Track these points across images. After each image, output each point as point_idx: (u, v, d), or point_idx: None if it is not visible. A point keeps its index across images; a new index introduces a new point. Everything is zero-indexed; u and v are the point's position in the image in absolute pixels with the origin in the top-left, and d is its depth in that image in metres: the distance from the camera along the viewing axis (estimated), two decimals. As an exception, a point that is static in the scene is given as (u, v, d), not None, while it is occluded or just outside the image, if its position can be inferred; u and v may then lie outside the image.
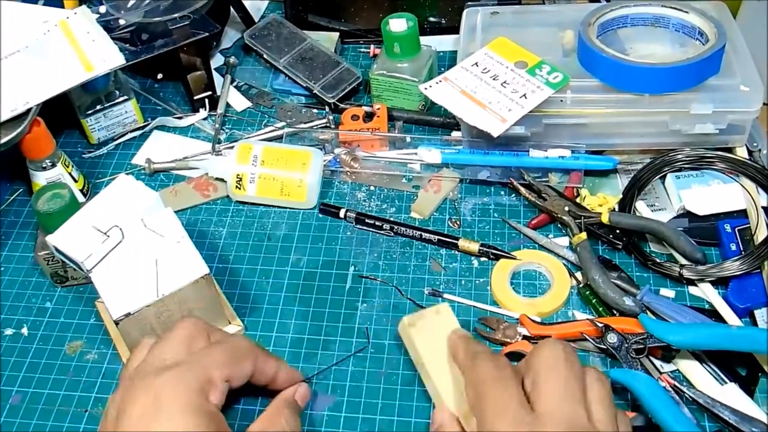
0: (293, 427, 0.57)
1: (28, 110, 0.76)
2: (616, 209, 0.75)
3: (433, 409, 0.58)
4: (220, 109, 0.90)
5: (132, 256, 0.65)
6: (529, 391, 0.50)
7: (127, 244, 0.65)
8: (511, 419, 0.48)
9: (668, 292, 0.70)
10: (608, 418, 0.49)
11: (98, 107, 0.86)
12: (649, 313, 0.67)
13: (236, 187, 0.79)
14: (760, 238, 0.70)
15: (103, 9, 0.89)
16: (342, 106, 0.89)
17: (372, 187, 0.82)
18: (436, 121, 0.87)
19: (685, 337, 0.61)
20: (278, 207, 0.80)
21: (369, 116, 0.86)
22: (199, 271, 0.63)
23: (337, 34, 0.98)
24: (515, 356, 0.65)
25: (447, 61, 0.94)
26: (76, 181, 0.80)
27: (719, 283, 0.69)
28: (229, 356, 0.56)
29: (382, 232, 0.77)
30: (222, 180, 0.81)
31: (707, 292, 0.69)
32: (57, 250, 0.66)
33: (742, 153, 0.78)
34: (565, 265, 0.72)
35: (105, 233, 0.65)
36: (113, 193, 0.69)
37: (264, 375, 0.59)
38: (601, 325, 0.64)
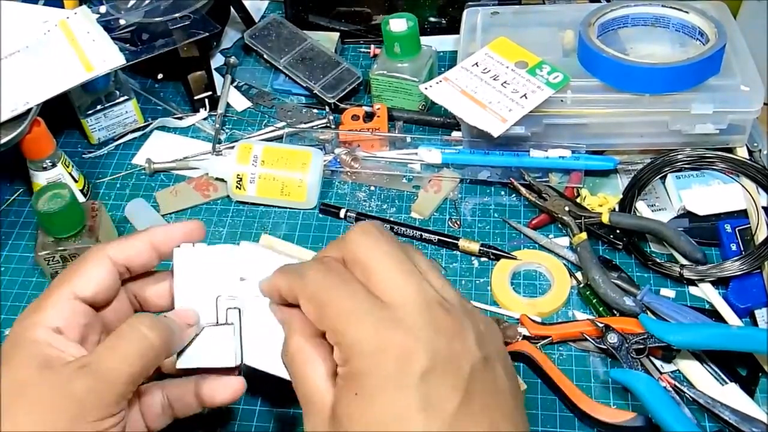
0: (159, 333, 0.47)
1: (28, 110, 0.76)
2: (617, 209, 0.75)
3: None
4: (221, 109, 0.90)
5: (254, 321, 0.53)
6: (365, 283, 0.43)
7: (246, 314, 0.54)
8: (366, 320, 0.41)
9: (668, 292, 0.70)
10: (445, 283, 0.44)
11: (98, 107, 0.86)
12: (649, 313, 0.67)
13: (236, 187, 0.79)
14: (760, 238, 0.70)
15: (103, 9, 0.89)
16: (342, 106, 0.89)
17: (372, 187, 0.82)
18: (436, 121, 0.87)
19: (686, 337, 0.61)
20: (278, 207, 0.80)
21: (369, 116, 0.86)
22: None
23: (338, 34, 0.98)
24: (516, 357, 0.65)
25: (447, 61, 0.94)
26: (76, 181, 0.80)
27: (719, 283, 0.69)
28: (68, 269, 0.49)
29: (382, 232, 0.77)
30: (222, 180, 0.81)
31: (707, 292, 0.69)
32: (191, 371, 0.54)
33: (742, 153, 0.78)
34: (565, 265, 0.72)
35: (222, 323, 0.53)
36: (186, 277, 0.54)
37: (137, 257, 0.51)
38: (601, 325, 0.64)
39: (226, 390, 0.53)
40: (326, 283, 0.44)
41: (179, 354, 0.52)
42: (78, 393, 0.44)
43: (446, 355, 0.40)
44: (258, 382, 0.66)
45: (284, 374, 0.53)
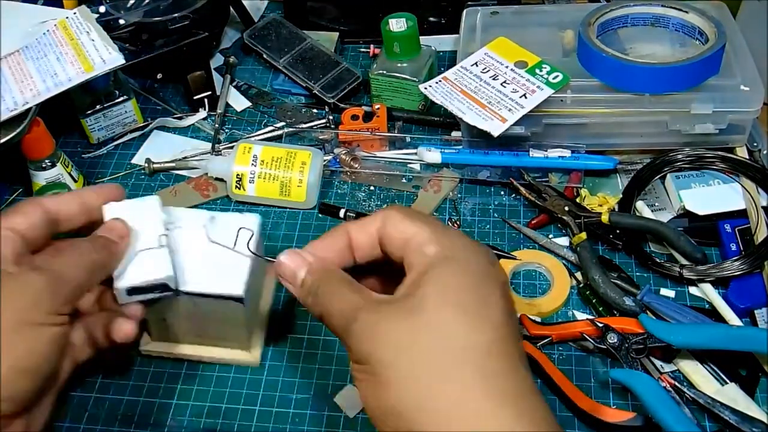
0: (99, 249, 0.54)
1: (28, 110, 0.75)
2: (616, 209, 0.75)
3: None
4: (220, 109, 0.90)
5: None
6: None
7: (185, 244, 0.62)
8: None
9: (668, 293, 0.70)
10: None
11: (98, 107, 0.86)
12: (649, 313, 0.67)
13: (236, 186, 0.79)
14: (760, 238, 0.70)
15: (102, 9, 0.89)
16: (342, 105, 0.89)
17: (372, 187, 0.82)
18: (436, 121, 0.87)
19: (685, 337, 0.61)
20: (278, 207, 0.80)
21: (369, 116, 0.86)
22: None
23: (337, 33, 0.98)
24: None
25: (447, 61, 0.94)
26: (75, 181, 0.80)
27: (719, 283, 0.69)
28: (5, 212, 0.53)
29: (382, 232, 0.77)
30: (222, 180, 0.81)
31: (707, 292, 0.69)
32: (132, 290, 0.59)
33: (742, 153, 0.77)
34: (565, 265, 0.72)
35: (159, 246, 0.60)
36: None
37: (69, 210, 0.56)
38: (601, 325, 0.64)
39: (121, 329, 0.56)
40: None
41: (117, 278, 0.57)
42: (33, 286, 0.48)
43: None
44: (259, 381, 0.66)
45: (216, 290, 0.61)
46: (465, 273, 0.45)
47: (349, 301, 0.47)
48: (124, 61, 0.80)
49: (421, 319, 0.43)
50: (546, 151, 0.78)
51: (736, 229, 0.72)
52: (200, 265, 0.62)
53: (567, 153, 0.77)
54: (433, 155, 0.80)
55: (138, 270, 0.58)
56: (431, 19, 0.97)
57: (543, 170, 0.78)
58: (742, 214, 0.73)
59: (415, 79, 0.86)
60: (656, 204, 0.76)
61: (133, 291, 0.58)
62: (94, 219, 0.58)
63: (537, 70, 0.78)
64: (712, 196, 0.74)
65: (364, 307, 0.46)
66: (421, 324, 0.43)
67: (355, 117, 0.86)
